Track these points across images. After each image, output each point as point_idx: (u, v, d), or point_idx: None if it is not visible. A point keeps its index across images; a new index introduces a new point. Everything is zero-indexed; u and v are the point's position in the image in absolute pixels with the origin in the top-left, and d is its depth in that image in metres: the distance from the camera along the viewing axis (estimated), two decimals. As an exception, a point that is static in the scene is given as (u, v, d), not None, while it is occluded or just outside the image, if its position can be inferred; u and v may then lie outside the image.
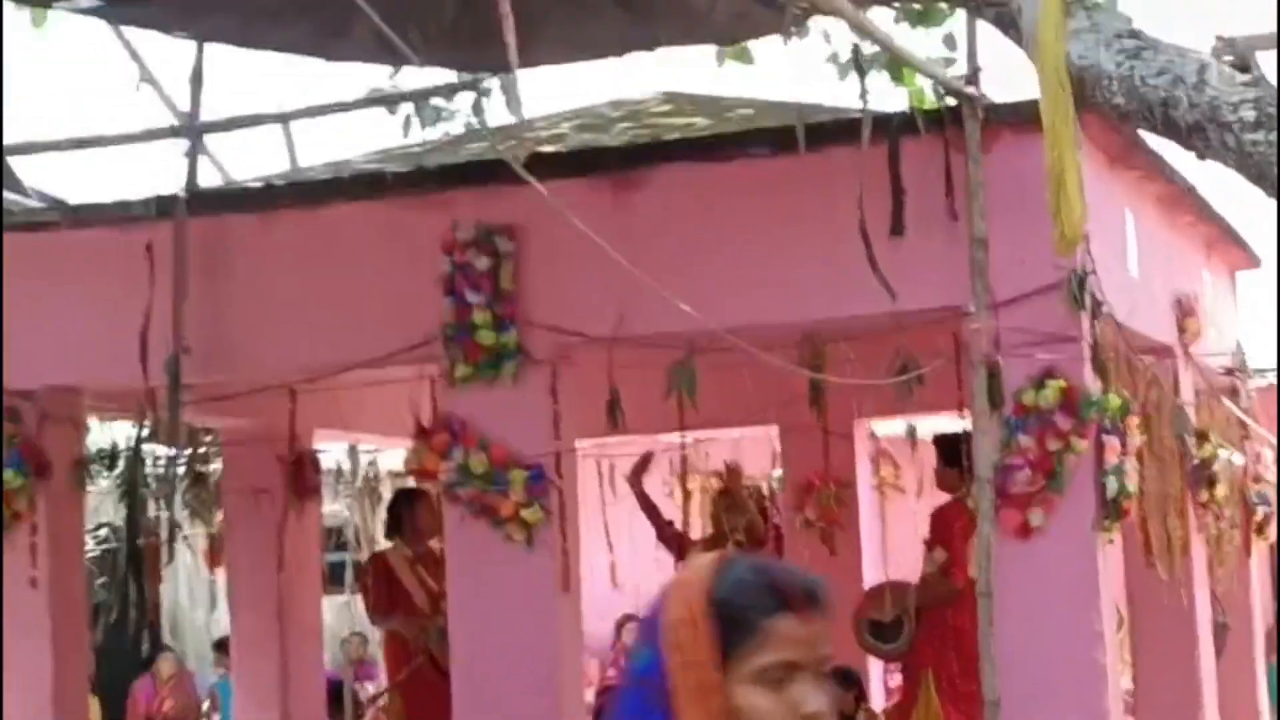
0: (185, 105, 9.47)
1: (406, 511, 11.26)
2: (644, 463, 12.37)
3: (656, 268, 7.27)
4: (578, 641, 8.92)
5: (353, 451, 14.50)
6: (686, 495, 11.81)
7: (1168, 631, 10.19)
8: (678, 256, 8.18)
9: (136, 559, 9.47)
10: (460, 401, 8.60)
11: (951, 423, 9.79)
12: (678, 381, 8.35)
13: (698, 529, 13.68)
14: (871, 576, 13.01)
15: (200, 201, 9.17)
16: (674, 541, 12.40)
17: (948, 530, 10.57)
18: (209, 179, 10.13)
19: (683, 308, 6.82)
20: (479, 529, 8.60)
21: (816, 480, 12.91)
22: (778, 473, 14.26)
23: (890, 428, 14.37)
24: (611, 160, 8.63)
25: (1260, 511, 12.11)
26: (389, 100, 10.85)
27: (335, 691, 13.09)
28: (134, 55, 9.58)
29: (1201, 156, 5.49)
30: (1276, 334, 11.54)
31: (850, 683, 11.50)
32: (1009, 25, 6.35)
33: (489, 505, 8.52)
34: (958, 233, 7.89)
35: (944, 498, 10.95)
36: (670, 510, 12.81)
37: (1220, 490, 10.44)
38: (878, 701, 13.49)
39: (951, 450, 10.32)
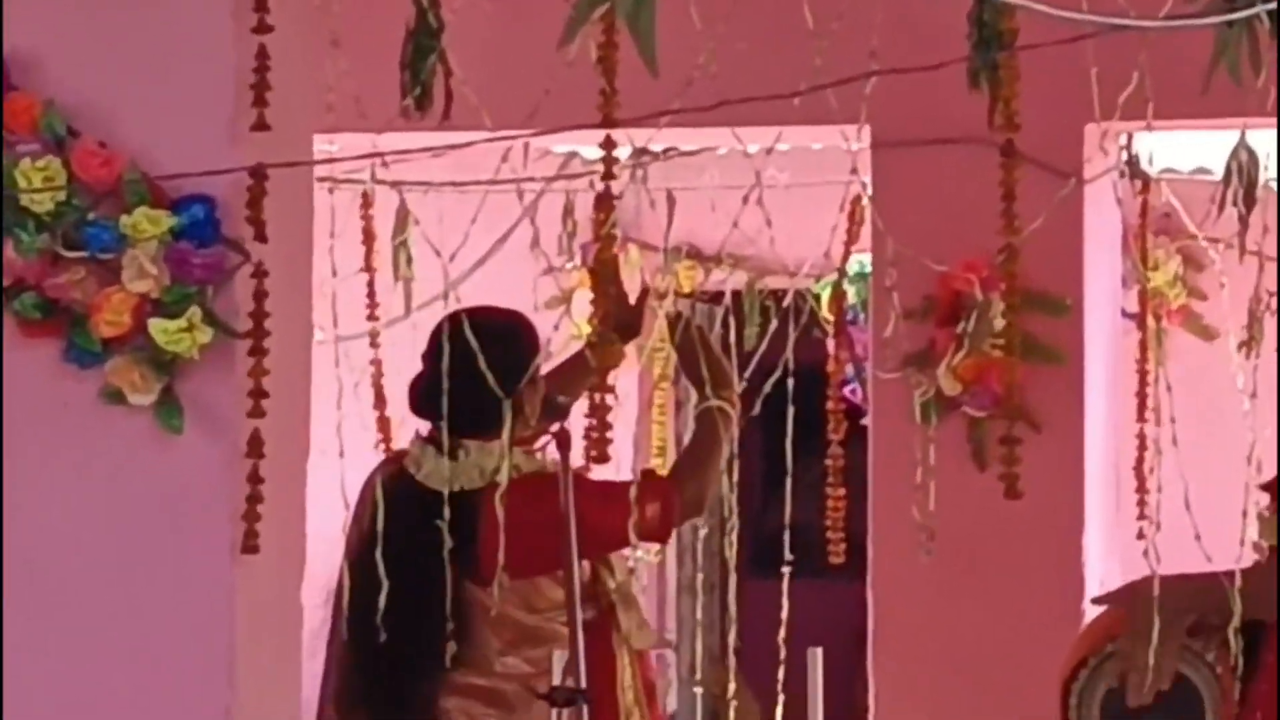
0: None
1: None
2: None
3: None
4: (293, 676, 4.89)
5: None
6: (601, 283, 4.63)
7: None
8: None
9: None
10: (23, 26, 4.99)
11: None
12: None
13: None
14: (1104, 555, 6.47)
15: None
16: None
17: None
18: None
19: None
20: (37, 365, 4.79)
21: (969, 287, 6.29)
22: (861, 263, 6.94)
23: (1185, 156, 7.36)
24: None
25: None
26: None
27: None
28: None
29: None
30: None
31: None
32: None
33: (65, 302, 4.75)
34: None
35: None
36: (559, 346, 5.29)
37: None
38: None
39: None
